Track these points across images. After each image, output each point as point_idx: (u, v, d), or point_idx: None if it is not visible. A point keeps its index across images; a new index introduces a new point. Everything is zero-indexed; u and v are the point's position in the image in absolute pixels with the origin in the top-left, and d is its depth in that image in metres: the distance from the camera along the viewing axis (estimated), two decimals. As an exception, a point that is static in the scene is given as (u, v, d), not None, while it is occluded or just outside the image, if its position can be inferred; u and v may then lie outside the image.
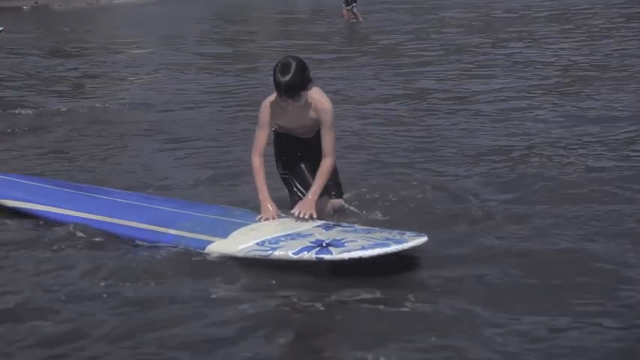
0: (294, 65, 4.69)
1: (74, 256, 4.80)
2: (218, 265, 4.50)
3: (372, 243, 4.13)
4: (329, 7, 24.44)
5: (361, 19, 20.40)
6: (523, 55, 12.78)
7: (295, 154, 5.11)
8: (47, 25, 23.57)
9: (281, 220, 4.76)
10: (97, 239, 5.01)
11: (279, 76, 4.67)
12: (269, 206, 4.83)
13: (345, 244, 4.17)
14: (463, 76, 11.16)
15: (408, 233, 4.27)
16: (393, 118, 8.58)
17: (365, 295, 4.01)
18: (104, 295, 4.22)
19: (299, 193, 5.02)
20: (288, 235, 4.47)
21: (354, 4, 20.57)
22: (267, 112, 4.90)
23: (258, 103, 5.06)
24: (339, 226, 4.60)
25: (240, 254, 4.44)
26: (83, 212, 5.25)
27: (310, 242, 4.29)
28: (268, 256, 4.32)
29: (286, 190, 5.14)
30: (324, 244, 4.23)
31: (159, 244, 4.78)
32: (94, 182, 6.32)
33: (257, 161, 4.92)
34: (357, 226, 4.59)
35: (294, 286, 4.17)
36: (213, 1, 28.88)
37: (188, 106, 10.11)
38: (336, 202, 5.14)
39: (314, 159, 5.00)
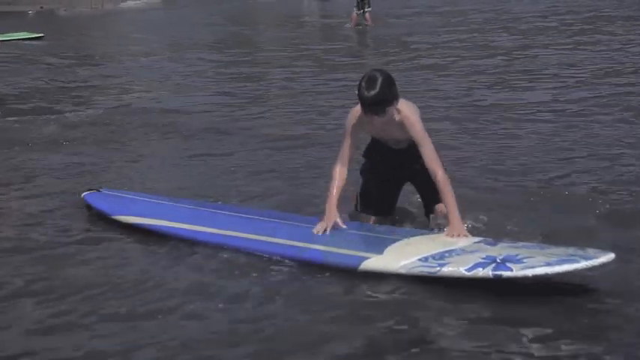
0: (380, 80, 4.56)
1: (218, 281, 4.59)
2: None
3: (555, 259, 3.99)
4: (337, 11, 24.28)
5: (372, 24, 19.87)
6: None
7: (380, 160, 4.99)
8: (55, 29, 23.26)
9: (433, 236, 4.63)
10: (239, 258, 4.82)
11: (364, 90, 4.55)
12: (331, 214, 4.75)
13: (524, 260, 4.04)
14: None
15: (590, 249, 4.13)
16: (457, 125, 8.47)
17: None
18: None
19: (357, 198, 5.04)
20: (451, 250, 4.35)
21: (366, 9, 20.10)
22: (351, 121, 4.81)
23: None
24: (501, 241, 4.47)
25: (402, 271, 4.30)
26: (218, 229, 5.08)
27: (482, 258, 4.15)
28: (436, 273, 4.18)
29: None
30: (498, 260, 4.08)
31: (302, 261, 4.63)
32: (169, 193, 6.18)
33: (335, 170, 4.86)
34: (522, 243, 4.44)
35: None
36: (218, 5, 28.69)
37: (214, 111, 10.12)
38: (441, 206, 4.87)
39: (398, 170, 4.95)
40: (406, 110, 4.72)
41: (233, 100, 10.97)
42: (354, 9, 20.17)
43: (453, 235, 4.56)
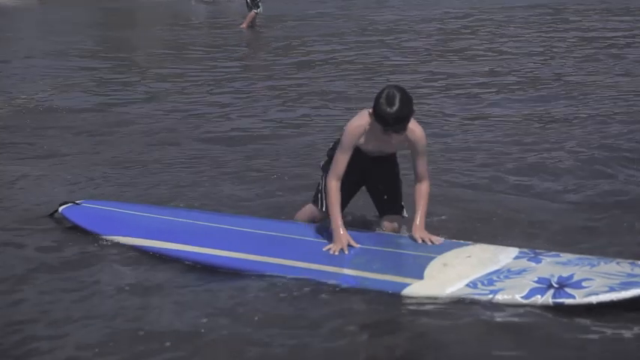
0: (399, 96, 4.56)
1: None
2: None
3: (618, 282, 3.98)
4: (225, 13, 23.93)
5: (243, 25, 19.04)
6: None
7: (353, 164, 4.93)
8: None
9: (465, 250, 4.54)
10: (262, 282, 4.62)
11: (386, 107, 4.53)
12: (342, 235, 4.69)
13: (584, 285, 4.01)
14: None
15: None
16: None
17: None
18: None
19: (320, 195, 5.01)
20: (497, 271, 4.31)
21: (256, 9, 19.44)
22: (352, 137, 4.78)
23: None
24: (540, 254, 4.45)
25: (450, 299, 4.19)
26: (228, 251, 4.86)
27: (534, 282, 4.11)
28: (489, 300, 4.12)
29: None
30: (554, 284, 4.05)
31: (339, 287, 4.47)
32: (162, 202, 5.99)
33: (334, 185, 4.81)
34: (563, 254, 4.43)
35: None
36: (97, 6, 27.73)
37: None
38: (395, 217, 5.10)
39: (365, 175, 5.01)
40: (415, 126, 4.76)
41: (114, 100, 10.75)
42: (254, 9, 19.39)
43: (421, 238, 4.74)
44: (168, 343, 3.98)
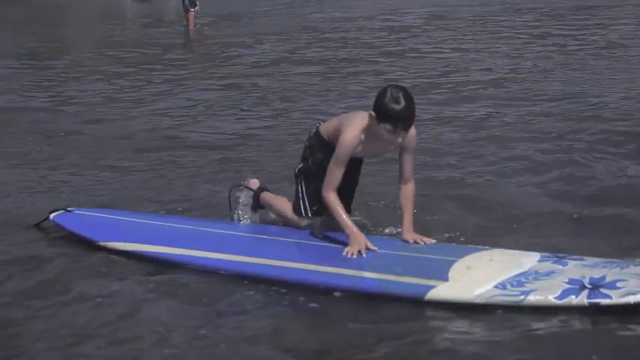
0: (403, 93, 4.51)
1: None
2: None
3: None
4: (157, 12, 23.55)
5: (192, 26, 18.79)
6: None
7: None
8: None
9: (485, 254, 4.44)
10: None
11: (395, 106, 4.46)
12: (359, 237, 4.58)
13: (618, 285, 3.96)
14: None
15: None
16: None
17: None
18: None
19: (302, 204, 4.90)
20: (525, 273, 4.22)
21: (193, 8, 19.13)
22: (350, 149, 4.68)
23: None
24: (564, 258, 4.38)
25: (479, 300, 4.11)
26: (237, 255, 4.70)
27: (566, 283, 4.04)
28: (520, 302, 4.03)
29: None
30: (587, 285, 3.98)
31: (354, 291, 4.34)
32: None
33: (333, 196, 4.69)
34: (587, 258, 4.37)
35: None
36: (25, 3, 27.01)
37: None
38: None
39: (352, 178, 4.93)
40: None
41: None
42: (191, 9, 19.06)
43: (413, 239, 4.68)
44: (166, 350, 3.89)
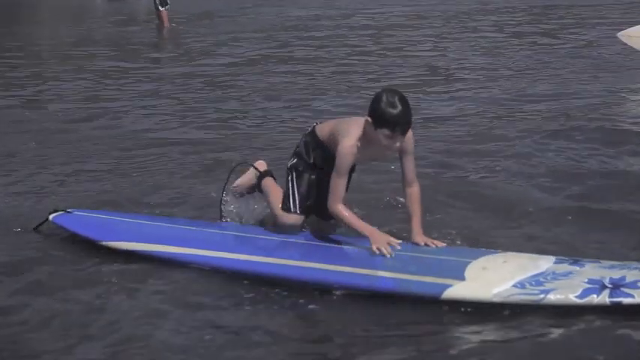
0: (399, 97, 4.48)
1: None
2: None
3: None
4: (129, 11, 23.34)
5: (167, 24, 18.61)
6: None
7: (324, 172, 4.85)
8: None
9: (498, 256, 4.40)
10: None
11: (392, 110, 4.43)
12: (380, 235, 4.54)
13: (639, 285, 3.91)
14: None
15: None
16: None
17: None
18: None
19: (292, 199, 4.83)
20: (542, 274, 4.18)
21: (163, 6, 18.94)
22: (350, 158, 4.63)
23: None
24: (579, 261, 4.35)
25: (497, 299, 4.07)
26: (248, 255, 4.64)
27: (586, 282, 4.01)
28: (540, 300, 4.00)
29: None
30: (608, 285, 3.96)
31: (369, 291, 4.30)
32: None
33: (341, 207, 4.63)
34: (603, 261, 4.36)
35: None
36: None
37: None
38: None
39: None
40: None
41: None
42: (162, 7, 18.83)
43: (424, 242, 4.63)
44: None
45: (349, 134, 4.59)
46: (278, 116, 9.15)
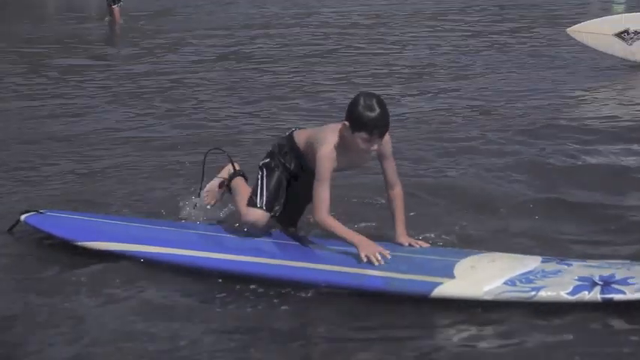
0: (376, 99, 4.45)
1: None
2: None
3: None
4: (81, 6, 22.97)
5: (121, 21, 18.43)
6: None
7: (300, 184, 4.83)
8: None
9: (484, 256, 4.39)
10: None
11: (370, 113, 4.39)
12: (369, 244, 4.42)
13: (630, 281, 3.95)
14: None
15: None
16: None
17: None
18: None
19: (259, 195, 4.76)
20: (532, 272, 4.19)
21: (116, 4, 18.70)
22: (330, 165, 4.53)
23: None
24: (566, 260, 4.35)
25: (487, 297, 4.07)
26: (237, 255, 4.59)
27: (576, 280, 4.02)
28: (532, 297, 4.01)
29: None
30: (598, 282, 3.97)
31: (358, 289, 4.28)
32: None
33: (329, 219, 4.52)
34: (589, 260, 4.36)
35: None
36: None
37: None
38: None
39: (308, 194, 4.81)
40: None
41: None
42: (115, 5, 18.56)
43: (408, 243, 4.63)
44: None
45: (326, 141, 4.52)
46: (244, 115, 9.07)
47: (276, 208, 4.81)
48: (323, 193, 4.48)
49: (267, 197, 4.79)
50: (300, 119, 8.39)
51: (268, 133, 7.85)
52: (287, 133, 4.89)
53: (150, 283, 4.56)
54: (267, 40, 15.10)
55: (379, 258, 4.33)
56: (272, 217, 4.81)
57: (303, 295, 4.30)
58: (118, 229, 4.97)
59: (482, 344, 3.86)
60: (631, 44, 10.83)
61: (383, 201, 5.42)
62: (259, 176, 4.86)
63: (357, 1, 21.32)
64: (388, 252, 4.38)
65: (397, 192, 4.74)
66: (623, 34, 10.81)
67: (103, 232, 4.92)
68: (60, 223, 5.03)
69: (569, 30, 11.13)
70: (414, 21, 17.65)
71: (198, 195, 5.21)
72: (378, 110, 4.37)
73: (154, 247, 4.72)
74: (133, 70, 12.19)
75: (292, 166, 4.80)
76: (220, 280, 4.47)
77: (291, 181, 4.84)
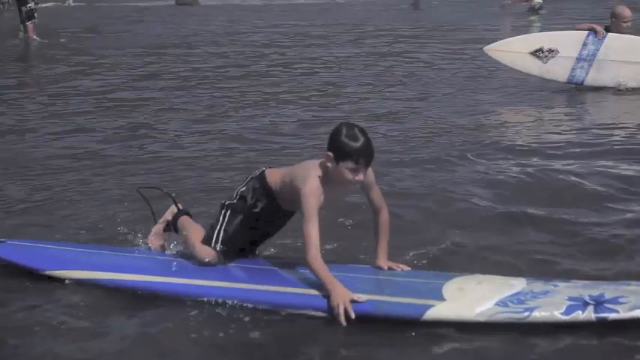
0: (358, 129, 4.38)
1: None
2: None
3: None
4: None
5: (36, 37, 18.11)
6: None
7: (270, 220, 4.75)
8: None
9: (469, 278, 4.39)
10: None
11: (355, 143, 4.30)
12: (344, 292, 4.21)
13: (621, 300, 3.98)
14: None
15: None
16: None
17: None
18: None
19: (216, 235, 4.67)
20: (520, 293, 4.17)
21: (30, 21, 18.28)
22: (317, 201, 4.37)
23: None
24: (551, 281, 4.34)
25: (480, 318, 4.04)
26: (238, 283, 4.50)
27: (568, 300, 4.04)
28: (525, 318, 4.00)
29: None
30: (589, 301, 3.99)
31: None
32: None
33: (319, 262, 4.31)
34: (573, 281, 4.37)
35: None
36: None
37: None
38: None
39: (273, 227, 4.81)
40: None
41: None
42: (29, 22, 18.13)
43: (388, 267, 4.59)
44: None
45: (310, 177, 4.38)
46: (170, 131, 9.02)
47: (231, 252, 4.69)
48: (312, 232, 4.30)
49: (222, 240, 4.66)
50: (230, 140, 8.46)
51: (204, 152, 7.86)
52: (257, 173, 4.72)
53: (117, 310, 4.44)
54: (185, 59, 15.00)
55: (349, 312, 4.10)
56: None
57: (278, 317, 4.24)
58: (81, 257, 4.84)
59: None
60: (546, 62, 10.99)
61: (351, 221, 5.44)
62: (221, 215, 4.70)
63: (279, 20, 21.38)
64: (362, 298, 4.17)
65: (384, 215, 4.66)
66: (537, 53, 10.98)
67: (69, 260, 4.78)
68: (23, 252, 4.85)
69: (486, 49, 11.22)
70: (339, 41, 17.73)
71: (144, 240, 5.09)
72: (362, 139, 4.30)
73: (121, 274, 4.63)
74: (57, 88, 11.95)
75: (260, 208, 4.64)
76: (190, 303, 4.39)
77: (257, 222, 4.69)
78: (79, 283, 4.63)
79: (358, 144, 4.29)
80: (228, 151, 8.04)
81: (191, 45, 17.21)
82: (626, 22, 10.79)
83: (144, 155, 7.99)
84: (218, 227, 4.68)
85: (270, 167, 4.78)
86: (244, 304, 4.30)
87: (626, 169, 7.14)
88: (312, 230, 4.31)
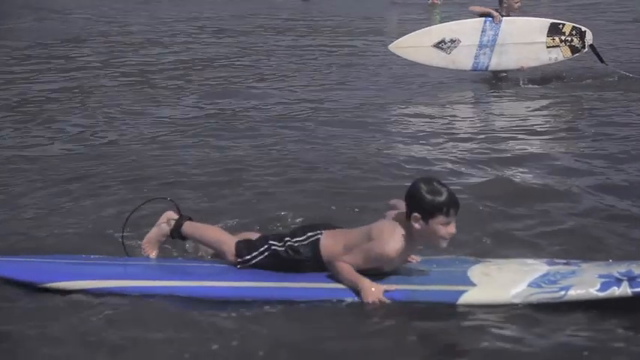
0: (437, 182, 4.31)
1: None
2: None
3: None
4: None
5: None
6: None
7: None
8: None
9: (488, 263, 4.43)
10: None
11: (439, 198, 4.18)
12: (373, 288, 4.22)
13: (652, 276, 4.03)
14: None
15: None
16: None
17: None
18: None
19: (250, 256, 4.56)
20: (548, 274, 4.22)
21: None
22: (394, 259, 4.27)
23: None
24: (572, 262, 4.41)
25: (516, 300, 4.07)
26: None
27: (601, 277, 4.07)
28: (561, 297, 4.05)
29: None
30: (622, 277, 4.05)
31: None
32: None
33: (348, 266, 4.32)
34: (591, 262, 4.42)
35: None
36: None
37: None
38: None
39: None
40: None
41: None
42: None
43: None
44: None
45: (393, 238, 4.21)
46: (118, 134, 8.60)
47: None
48: (360, 265, 4.27)
49: (254, 263, 4.53)
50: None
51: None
52: (312, 238, 4.47)
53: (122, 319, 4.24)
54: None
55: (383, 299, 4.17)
56: None
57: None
58: (77, 267, 4.67)
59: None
60: (449, 53, 11.16)
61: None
62: (258, 251, 4.54)
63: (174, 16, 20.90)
64: (395, 287, 4.20)
65: None
66: (440, 44, 11.13)
67: (66, 272, 4.60)
68: (15, 267, 4.67)
69: (390, 47, 11.26)
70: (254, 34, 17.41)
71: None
72: (444, 190, 4.20)
73: (129, 281, 4.51)
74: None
75: (304, 266, 4.45)
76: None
77: (291, 269, 4.49)
78: (77, 292, 4.46)
79: (443, 197, 4.17)
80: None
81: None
82: (517, 1, 11.06)
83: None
84: (249, 257, 4.53)
85: (324, 235, 4.47)
86: (267, 303, 4.24)
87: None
88: (361, 266, 4.27)
